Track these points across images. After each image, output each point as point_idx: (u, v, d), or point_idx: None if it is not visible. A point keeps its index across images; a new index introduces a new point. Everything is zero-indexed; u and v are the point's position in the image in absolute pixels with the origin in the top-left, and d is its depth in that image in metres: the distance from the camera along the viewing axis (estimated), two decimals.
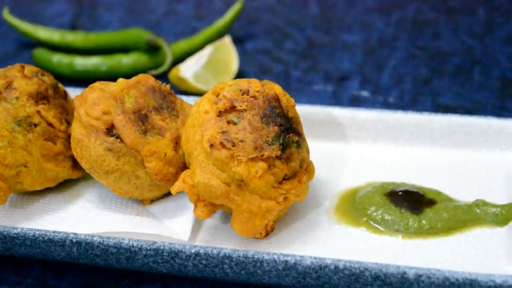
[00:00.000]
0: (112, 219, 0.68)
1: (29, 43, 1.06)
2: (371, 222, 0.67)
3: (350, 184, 0.73)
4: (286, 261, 0.59)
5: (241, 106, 0.63)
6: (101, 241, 0.62)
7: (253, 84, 0.65)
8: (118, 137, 0.66)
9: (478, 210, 0.67)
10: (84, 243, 0.63)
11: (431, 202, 0.68)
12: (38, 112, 0.69)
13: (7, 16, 1.04)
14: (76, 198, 0.72)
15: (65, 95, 0.73)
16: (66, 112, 0.71)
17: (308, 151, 0.68)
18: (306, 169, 0.67)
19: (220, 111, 0.63)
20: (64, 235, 0.63)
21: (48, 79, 0.72)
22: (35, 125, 0.69)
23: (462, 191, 0.70)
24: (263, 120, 0.63)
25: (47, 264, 0.67)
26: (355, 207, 0.69)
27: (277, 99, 0.64)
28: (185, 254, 0.61)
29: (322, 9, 1.15)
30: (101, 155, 0.66)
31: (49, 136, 0.69)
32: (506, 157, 0.74)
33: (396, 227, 0.66)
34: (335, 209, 0.70)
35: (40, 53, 0.98)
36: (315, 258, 0.59)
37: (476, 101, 0.90)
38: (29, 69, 0.71)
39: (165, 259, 0.62)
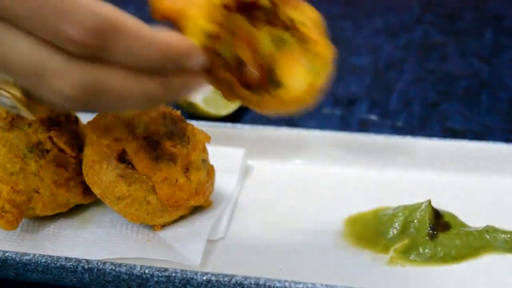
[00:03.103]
0: (124, 245, 0.68)
1: None
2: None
3: (359, 209, 0.73)
4: None
5: None
6: (113, 268, 0.63)
7: None
8: (129, 163, 0.67)
9: (488, 237, 0.67)
10: (96, 270, 0.63)
11: (446, 226, 0.68)
12: (50, 138, 0.69)
13: None
14: (87, 223, 0.72)
15: (76, 121, 0.73)
16: (78, 138, 0.72)
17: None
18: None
19: None
20: (76, 262, 0.63)
21: None
22: (47, 151, 0.69)
23: (471, 217, 0.70)
24: None
25: None
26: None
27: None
28: (197, 281, 0.61)
29: (330, 31, 1.15)
30: (112, 181, 0.67)
31: (61, 162, 0.70)
32: None
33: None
34: (344, 234, 0.70)
35: None
36: (326, 285, 0.59)
37: (484, 124, 0.90)
38: None
39: (177, 286, 0.62)
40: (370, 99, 0.97)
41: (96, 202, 0.74)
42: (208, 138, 0.72)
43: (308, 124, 0.88)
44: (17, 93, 0.49)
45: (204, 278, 0.61)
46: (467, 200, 0.73)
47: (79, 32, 0.46)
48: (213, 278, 0.61)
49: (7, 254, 0.65)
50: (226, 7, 0.53)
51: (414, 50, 1.08)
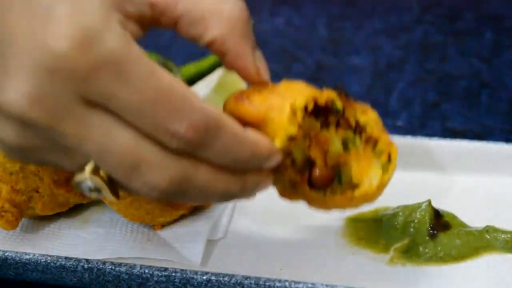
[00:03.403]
0: (123, 245, 0.68)
1: None
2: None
3: (360, 209, 0.73)
4: None
5: None
6: (113, 268, 0.63)
7: None
8: None
9: (488, 236, 0.67)
10: (95, 269, 0.63)
11: (446, 226, 0.68)
12: None
13: None
14: (87, 223, 0.72)
15: None
16: None
17: None
18: None
19: None
20: (76, 261, 0.63)
21: None
22: None
23: (471, 217, 0.70)
24: None
25: None
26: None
27: None
28: (197, 281, 0.61)
29: (330, 31, 1.15)
30: None
31: None
32: None
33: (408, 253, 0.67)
34: (344, 234, 0.70)
35: None
36: (326, 285, 0.59)
37: (484, 124, 0.90)
38: None
39: (177, 286, 0.62)
40: (370, 99, 0.96)
41: (96, 202, 0.74)
42: None
43: None
44: (104, 176, 0.50)
45: (204, 277, 0.61)
46: (467, 200, 0.73)
47: (186, 128, 0.47)
48: (213, 277, 0.61)
49: (6, 253, 0.65)
50: (305, 110, 0.56)
51: (414, 50, 1.08)
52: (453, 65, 1.04)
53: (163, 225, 0.70)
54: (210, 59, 1.01)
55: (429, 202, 0.70)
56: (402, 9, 1.21)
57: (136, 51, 0.47)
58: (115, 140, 0.47)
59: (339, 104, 0.58)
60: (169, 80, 0.47)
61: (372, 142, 0.60)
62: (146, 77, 0.46)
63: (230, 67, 0.58)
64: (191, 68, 1.00)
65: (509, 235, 0.66)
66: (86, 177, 0.49)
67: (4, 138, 0.49)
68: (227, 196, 0.53)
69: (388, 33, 1.14)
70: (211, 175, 0.51)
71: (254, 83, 0.58)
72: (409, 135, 0.79)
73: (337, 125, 0.60)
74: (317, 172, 0.58)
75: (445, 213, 0.70)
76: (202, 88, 0.92)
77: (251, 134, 0.52)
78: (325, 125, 0.59)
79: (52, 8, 0.46)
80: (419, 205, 0.70)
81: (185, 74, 0.98)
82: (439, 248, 0.66)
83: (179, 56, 1.09)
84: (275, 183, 0.60)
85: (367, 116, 0.60)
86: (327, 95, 0.58)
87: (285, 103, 0.55)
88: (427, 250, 0.66)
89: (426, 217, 0.68)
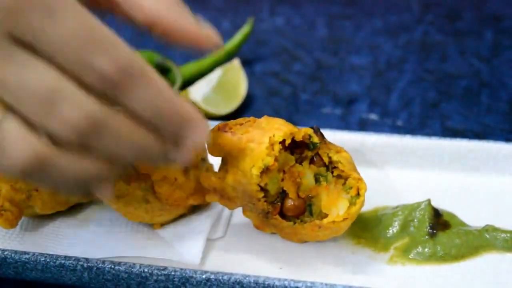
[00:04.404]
0: (123, 244, 0.68)
1: None
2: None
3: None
4: (297, 287, 0.60)
5: None
6: (112, 267, 0.63)
7: None
8: None
9: (487, 236, 0.67)
10: (95, 268, 0.63)
11: (445, 225, 0.68)
12: None
13: None
14: (86, 222, 0.72)
15: None
16: None
17: None
18: None
19: None
20: (75, 260, 0.63)
21: None
22: None
23: (471, 216, 0.70)
24: None
25: None
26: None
27: None
28: (196, 279, 0.61)
29: (330, 31, 1.15)
30: None
31: None
32: None
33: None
34: (344, 233, 0.70)
35: None
36: (326, 284, 0.59)
37: (484, 124, 0.90)
38: None
39: (176, 285, 0.62)
40: (370, 98, 0.97)
41: (96, 200, 0.74)
42: None
43: (308, 124, 0.88)
44: None
45: (204, 276, 0.61)
46: (467, 200, 0.73)
47: (111, 65, 0.48)
48: (212, 276, 0.61)
49: (6, 252, 0.65)
50: (283, 144, 0.63)
51: (414, 50, 1.08)
52: (453, 65, 1.04)
53: (162, 224, 0.70)
54: (210, 59, 1.01)
55: (429, 201, 0.70)
56: (402, 9, 1.21)
57: None
58: (35, 75, 0.47)
59: (315, 139, 0.64)
60: (98, 22, 0.48)
61: (343, 179, 0.65)
62: (75, 15, 0.47)
63: (180, 38, 0.57)
64: (191, 67, 1.00)
65: (508, 235, 0.66)
66: None
67: None
68: (145, 152, 0.51)
69: (388, 33, 1.14)
70: (128, 124, 0.50)
71: (210, 46, 0.57)
72: (409, 134, 0.79)
73: (311, 162, 0.66)
74: (289, 202, 0.64)
75: (445, 212, 0.70)
76: (202, 87, 0.92)
77: (180, 98, 0.51)
78: (300, 160, 0.65)
79: None
80: (418, 205, 0.70)
81: (185, 74, 0.98)
82: (439, 247, 0.66)
83: (179, 56, 1.09)
84: (250, 215, 0.67)
85: (340, 156, 0.65)
86: (304, 131, 0.63)
87: (265, 136, 0.61)
88: (426, 250, 0.66)
89: (426, 216, 0.68)
